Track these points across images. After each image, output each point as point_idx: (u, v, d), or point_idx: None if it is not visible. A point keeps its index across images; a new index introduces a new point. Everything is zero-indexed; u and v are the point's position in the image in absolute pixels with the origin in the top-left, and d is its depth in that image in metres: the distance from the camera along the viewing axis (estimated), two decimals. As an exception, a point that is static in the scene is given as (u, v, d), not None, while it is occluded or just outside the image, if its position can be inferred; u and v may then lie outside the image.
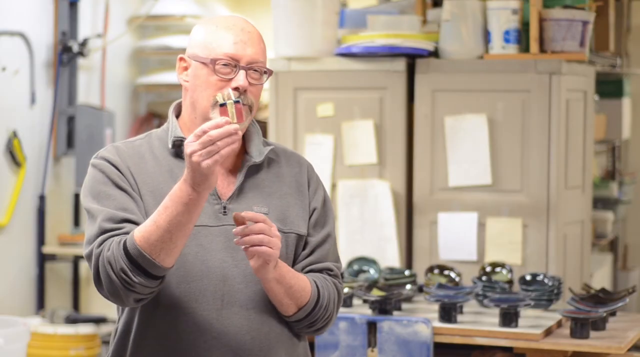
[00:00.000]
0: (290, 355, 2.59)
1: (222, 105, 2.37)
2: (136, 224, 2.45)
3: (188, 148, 2.30)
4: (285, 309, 2.54)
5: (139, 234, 2.38)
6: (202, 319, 2.49)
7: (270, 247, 2.40)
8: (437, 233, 4.65)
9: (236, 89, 2.49)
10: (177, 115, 2.62)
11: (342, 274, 4.31)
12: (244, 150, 2.60)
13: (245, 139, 2.61)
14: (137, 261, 2.38)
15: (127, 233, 2.42)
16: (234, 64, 2.50)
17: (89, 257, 2.46)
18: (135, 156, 2.56)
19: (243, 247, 2.40)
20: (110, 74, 6.71)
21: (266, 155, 2.61)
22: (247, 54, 2.50)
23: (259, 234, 2.39)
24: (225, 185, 2.56)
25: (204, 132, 2.29)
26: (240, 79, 2.50)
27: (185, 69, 2.57)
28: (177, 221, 2.35)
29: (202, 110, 2.52)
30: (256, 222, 2.39)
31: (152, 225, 2.37)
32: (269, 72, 2.55)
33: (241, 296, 2.51)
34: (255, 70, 2.52)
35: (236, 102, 2.37)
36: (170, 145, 2.56)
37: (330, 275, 2.63)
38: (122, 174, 2.51)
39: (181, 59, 2.57)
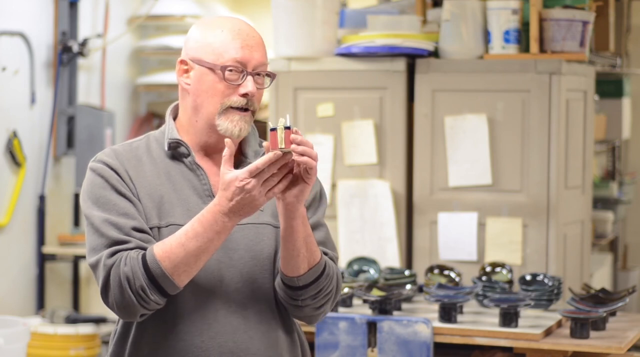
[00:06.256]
0: (289, 354, 2.58)
1: (273, 129, 2.31)
2: (141, 230, 2.45)
3: (246, 184, 2.30)
4: (298, 266, 2.47)
5: (162, 254, 2.38)
6: (199, 320, 2.48)
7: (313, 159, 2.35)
8: (437, 233, 4.65)
9: (244, 95, 2.49)
10: (175, 117, 2.62)
11: (342, 274, 4.27)
12: (239, 152, 2.59)
13: (241, 140, 2.61)
14: (157, 280, 2.39)
15: (139, 246, 2.42)
16: (240, 69, 2.49)
17: (95, 266, 2.44)
18: (133, 159, 2.55)
19: (294, 157, 2.33)
20: (110, 74, 6.71)
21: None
22: (253, 59, 2.50)
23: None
24: (221, 184, 2.56)
25: (258, 169, 2.30)
26: (249, 85, 2.49)
27: (186, 71, 2.54)
28: (207, 246, 2.38)
29: (208, 116, 2.52)
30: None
31: (179, 248, 2.38)
32: (272, 76, 2.54)
33: (238, 295, 2.50)
34: (258, 74, 2.51)
35: (287, 128, 2.31)
36: (166, 147, 2.56)
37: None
38: (122, 178, 2.50)
39: (182, 61, 2.55)
